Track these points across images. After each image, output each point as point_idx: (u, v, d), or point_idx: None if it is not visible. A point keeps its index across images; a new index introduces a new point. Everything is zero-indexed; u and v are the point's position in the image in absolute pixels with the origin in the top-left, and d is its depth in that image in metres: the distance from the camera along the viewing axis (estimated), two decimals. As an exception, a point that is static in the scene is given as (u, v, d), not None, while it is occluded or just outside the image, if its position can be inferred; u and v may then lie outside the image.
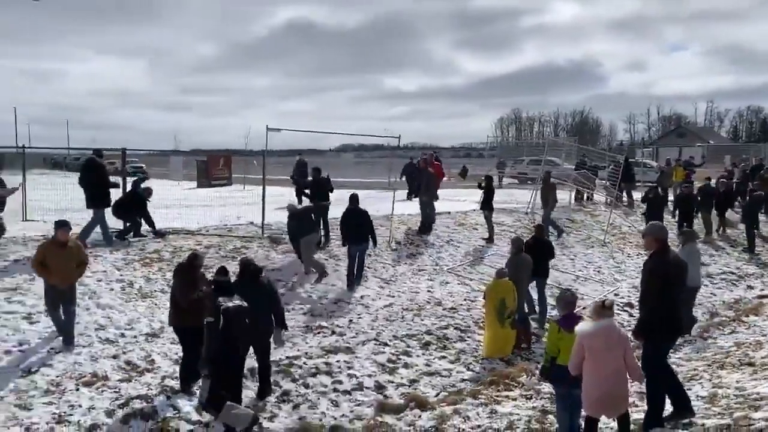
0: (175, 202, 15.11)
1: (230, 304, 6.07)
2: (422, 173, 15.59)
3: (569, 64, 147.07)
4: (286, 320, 7.32)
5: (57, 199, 13.66)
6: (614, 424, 5.51)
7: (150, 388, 6.88)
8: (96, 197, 10.93)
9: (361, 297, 10.42)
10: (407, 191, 19.22)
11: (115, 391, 6.77)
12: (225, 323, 5.93)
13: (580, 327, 5.36)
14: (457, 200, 18.82)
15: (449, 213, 16.12)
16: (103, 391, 6.74)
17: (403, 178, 19.96)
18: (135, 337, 8.11)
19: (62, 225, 7.64)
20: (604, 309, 5.23)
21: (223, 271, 6.61)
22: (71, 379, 6.92)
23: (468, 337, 9.23)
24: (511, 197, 19.41)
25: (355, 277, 10.82)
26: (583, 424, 5.61)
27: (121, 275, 9.81)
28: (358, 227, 10.80)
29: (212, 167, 31.19)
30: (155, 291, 9.51)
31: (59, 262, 7.45)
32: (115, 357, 7.53)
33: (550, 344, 5.80)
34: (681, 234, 10.76)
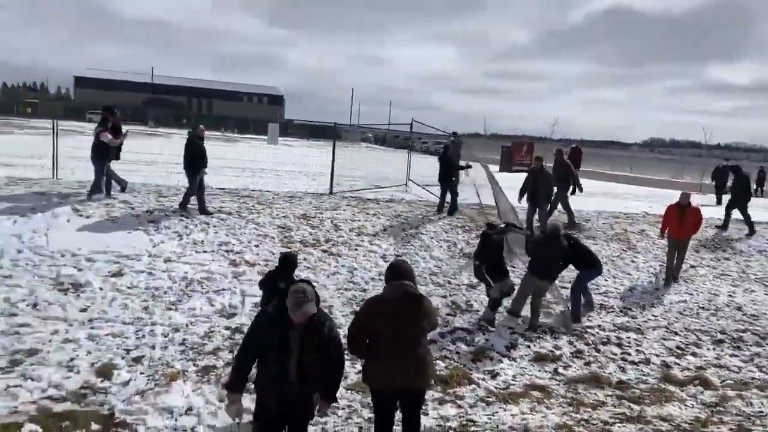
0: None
1: None
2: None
3: None
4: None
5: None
6: None
7: (469, 323, 8.79)
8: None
9: (656, 290, 10.96)
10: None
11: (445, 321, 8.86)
12: None
13: None
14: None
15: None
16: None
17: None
18: (458, 285, 10.16)
19: None
20: None
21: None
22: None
23: (767, 343, 9.21)
24: None
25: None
26: None
27: (447, 237, 12.09)
28: None
29: (516, 153, 33.14)
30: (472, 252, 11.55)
31: None
32: (443, 297, 9.65)
33: None
34: None
